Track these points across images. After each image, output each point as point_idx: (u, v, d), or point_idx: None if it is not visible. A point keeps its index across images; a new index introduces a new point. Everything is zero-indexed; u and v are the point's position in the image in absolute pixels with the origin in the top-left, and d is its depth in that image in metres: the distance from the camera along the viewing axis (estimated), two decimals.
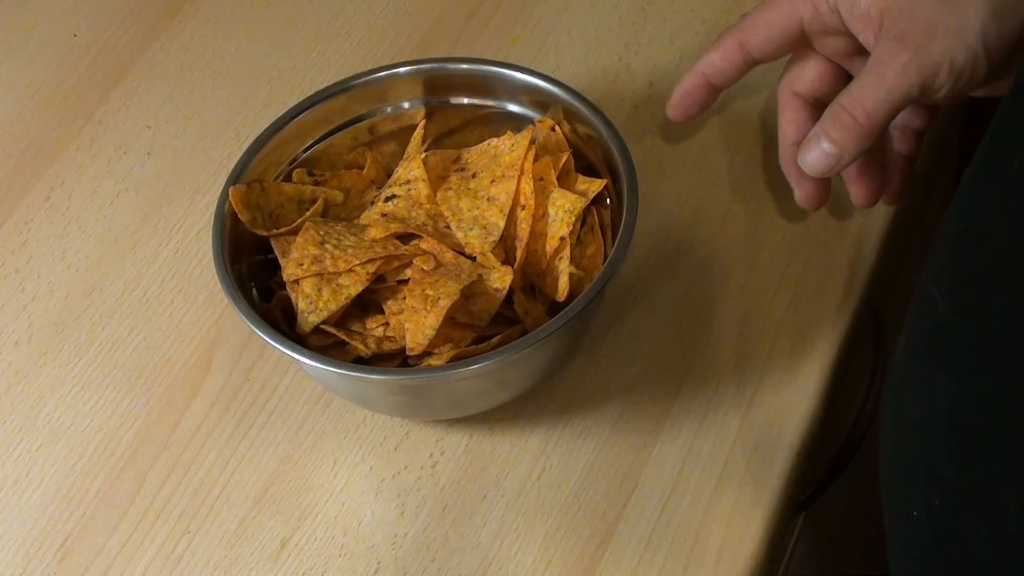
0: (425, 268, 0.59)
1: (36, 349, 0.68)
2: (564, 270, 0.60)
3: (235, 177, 0.62)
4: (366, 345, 0.59)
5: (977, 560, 0.45)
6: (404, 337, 0.58)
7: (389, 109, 0.66)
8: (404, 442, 0.63)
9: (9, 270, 0.71)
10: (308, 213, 0.63)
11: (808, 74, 0.63)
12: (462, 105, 0.66)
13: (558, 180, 0.62)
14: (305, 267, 0.59)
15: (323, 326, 0.59)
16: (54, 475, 0.63)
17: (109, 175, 0.74)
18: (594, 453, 0.62)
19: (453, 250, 0.61)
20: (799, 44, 0.62)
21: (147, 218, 0.72)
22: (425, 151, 0.64)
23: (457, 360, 0.57)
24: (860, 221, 0.68)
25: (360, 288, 0.59)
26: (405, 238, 0.61)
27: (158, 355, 0.67)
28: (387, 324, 0.60)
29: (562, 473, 0.62)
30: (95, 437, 0.65)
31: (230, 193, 0.61)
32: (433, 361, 0.58)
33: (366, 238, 0.60)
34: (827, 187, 0.64)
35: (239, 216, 0.61)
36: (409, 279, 0.59)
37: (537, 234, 0.61)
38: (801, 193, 0.64)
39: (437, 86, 0.66)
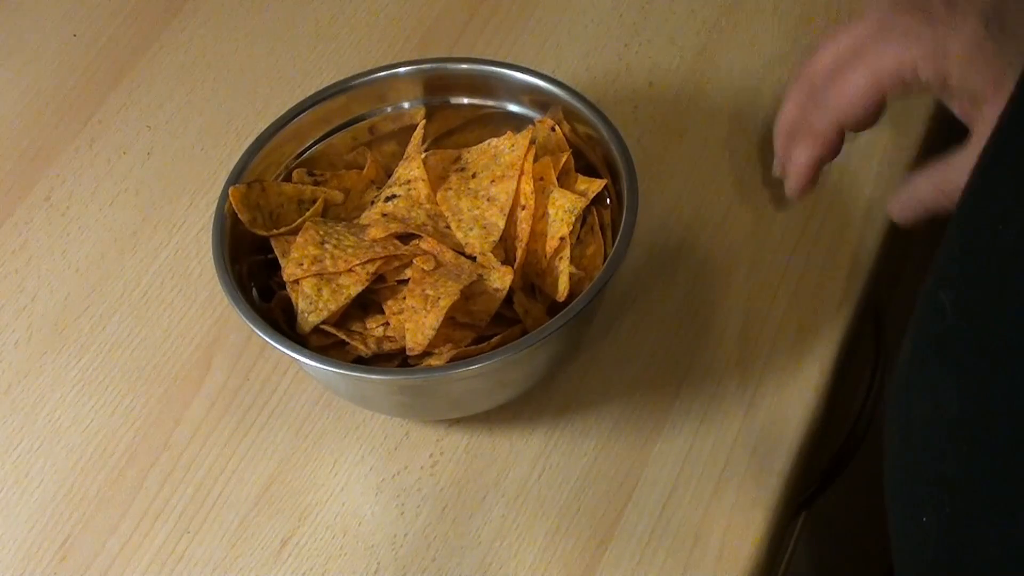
0: (425, 268, 0.59)
1: (36, 349, 0.68)
2: (564, 270, 0.60)
3: (235, 177, 0.62)
4: (366, 345, 0.59)
5: (990, 564, 0.45)
6: (404, 337, 0.58)
7: (389, 109, 0.66)
8: (404, 442, 0.63)
9: (9, 270, 0.71)
10: (308, 213, 0.63)
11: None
12: (462, 105, 0.66)
13: (558, 180, 0.62)
14: (305, 267, 0.59)
15: (323, 326, 0.59)
16: (54, 475, 0.63)
17: (109, 175, 0.74)
18: (594, 453, 0.62)
19: (453, 250, 0.61)
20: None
21: (147, 218, 0.72)
22: (425, 151, 0.64)
23: (457, 360, 0.57)
24: (860, 221, 0.68)
25: (360, 288, 0.59)
26: (405, 238, 0.61)
27: (158, 355, 0.67)
28: (387, 324, 0.60)
29: (562, 473, 0.61)
30: (95, 437, 0.64)
31: (230, 193, 0.61)
32: (433, 361, 0.58)
33: (366, 238, 0.60)
34: (817, 174, 0.63)
35: (239, 216, 0.61)
36: (409, 279, 0.59)
37: (537, 234, 0.61)
38: (785, 169, 0.64)
39: (437, 86, 0.66)
